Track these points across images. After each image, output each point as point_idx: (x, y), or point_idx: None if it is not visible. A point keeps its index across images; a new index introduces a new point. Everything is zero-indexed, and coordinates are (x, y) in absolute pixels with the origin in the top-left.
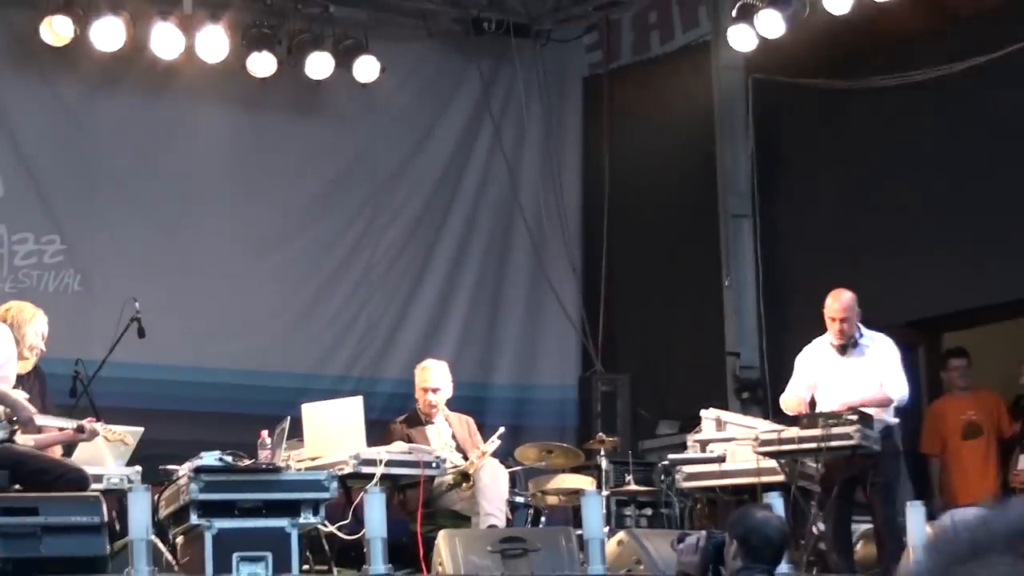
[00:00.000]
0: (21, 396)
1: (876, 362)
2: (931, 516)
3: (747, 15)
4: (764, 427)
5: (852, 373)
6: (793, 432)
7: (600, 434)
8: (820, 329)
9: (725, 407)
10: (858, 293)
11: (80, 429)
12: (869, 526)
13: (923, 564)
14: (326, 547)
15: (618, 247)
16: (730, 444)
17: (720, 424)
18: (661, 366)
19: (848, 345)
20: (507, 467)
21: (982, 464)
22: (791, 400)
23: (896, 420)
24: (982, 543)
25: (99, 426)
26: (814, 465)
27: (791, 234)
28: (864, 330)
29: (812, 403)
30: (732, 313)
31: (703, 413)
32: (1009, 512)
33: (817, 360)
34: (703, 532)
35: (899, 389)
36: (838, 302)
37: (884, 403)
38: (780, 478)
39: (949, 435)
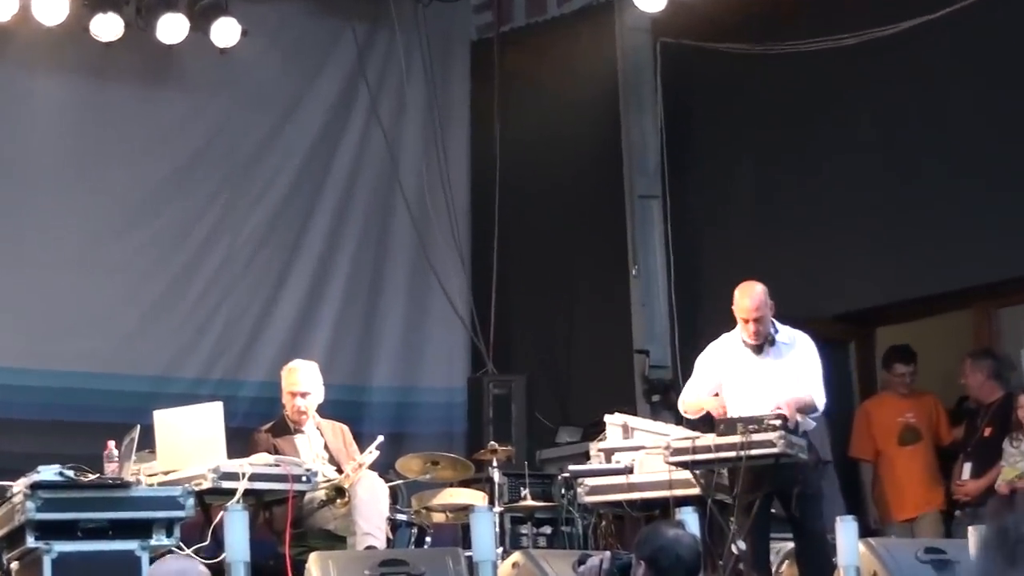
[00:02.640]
0: None
1: (797, 364)
2: (865, 532)
3: None
4: (677, 434)
5: (771, 375)
6: (709, 440)
7: (492, 443)
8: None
9: (633, 412)
10: (780, 283)
11: None
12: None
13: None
14: None
15: (511, 232)
16: (638, 453)
17: (627, 431)
18: (561, 366)
19: (764, 344)
20: (387, 480)
21: (921, 473)
22: (693, 402)
23: (813, 425)
24: None
25: None
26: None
27: (706, 217)
28: (779, 326)
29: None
30: (640, 306)
31: (608, 419)
32: None
33: (726, 360)
34: (607, 553)
35: (818, 393)
36: (748, 299)
37: (811, 409)
38: (695, 491)
39: (883, 440)
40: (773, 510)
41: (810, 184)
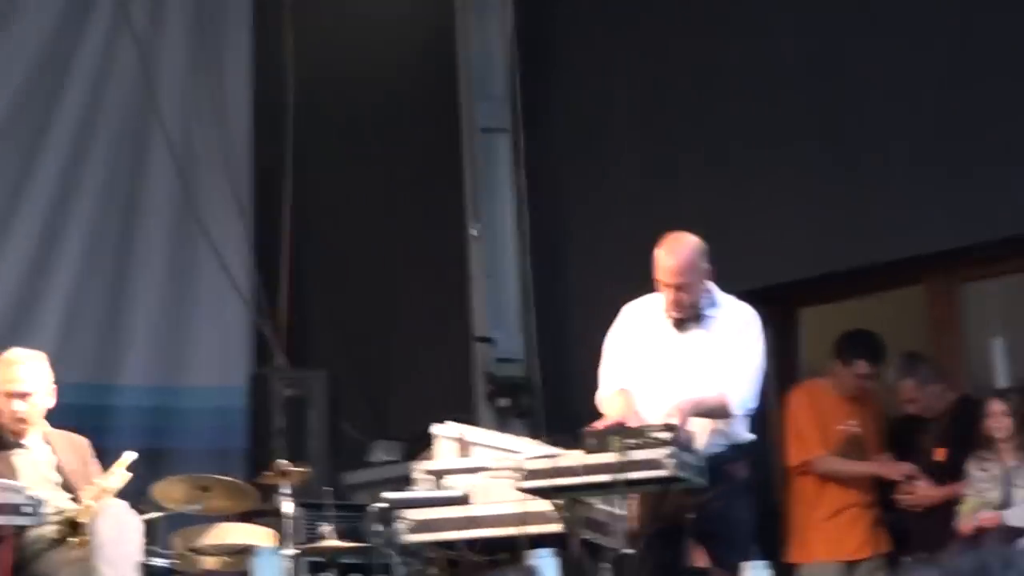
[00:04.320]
0: None
1: (720, 343)
2: None
3: None
4: (532, 451)
5: (688, 359)
6: (575, 458)
7: (282, 462)
8: (618, 298)
9: (473, 421)
10: None
11: None
12: None
13: None
14: None
15: (309, 178)
16: (479, 477)
17: (464, 447)
18: (376, 359)
19: (689, 318)
20: (140, 512)
21: (866, 502)
22: (603, 402)
23: (752, 437)
24: None
25: None
26: (606, 508)
27: (573, 158)
28: (719, 296)
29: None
30: (482, 277)
31: (438, 430)
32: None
33: (641, 334)
34: None
35: (739, 390)
36: (672, 256)
37: (723, 414)
38: (556, 527)
39: (816, 450)
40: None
41: (715, 113)
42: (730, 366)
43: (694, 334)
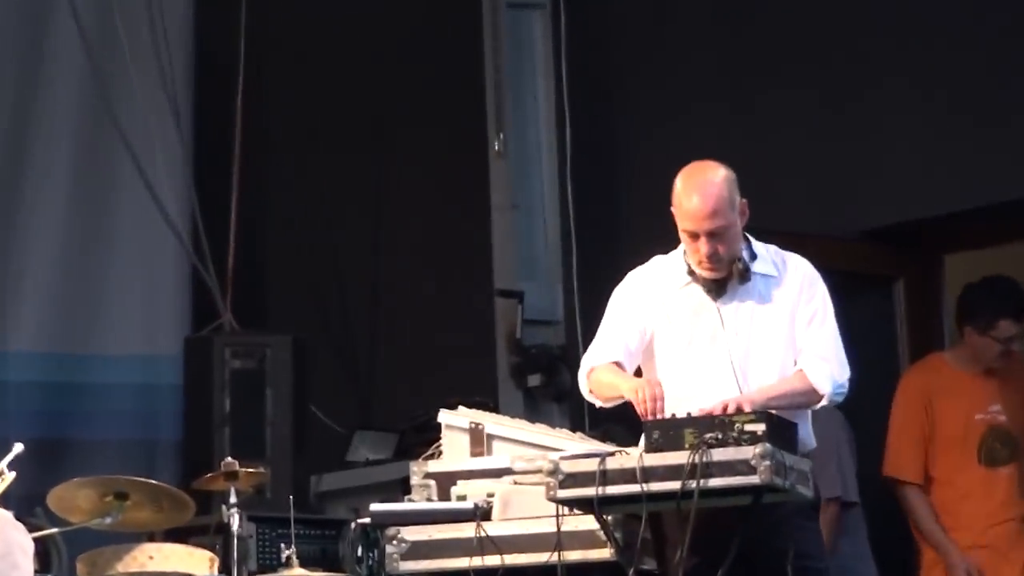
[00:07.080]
0: None
1: (786, 310)
2: None
3: None
4: (573, 447)
5: (742, 335)
6: (631, 459)
7: (229, 460)
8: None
9: (493, 405)
10: (768, 176)
11: None
12: None
13: None
14: None
15: (268, 73)
16: (501, 483)
17: (480, 439)
18: (356, 320)
19: (729, 277)
20: (31, 528)
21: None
22: (605, 378)
23: (814, 445)
24: None
25: None
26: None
27: (629, 49)
28: (758, 245)
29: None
30: (507, 209)
31: (445, 418)
32: None
33: (659, 305)
34: None
35: (823, 369)
36: (698, 195)
37: (808, 399)
38: (604, 554)
39: (949, 452)
40: None
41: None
42: (808, 336)
43: (736, 299)
